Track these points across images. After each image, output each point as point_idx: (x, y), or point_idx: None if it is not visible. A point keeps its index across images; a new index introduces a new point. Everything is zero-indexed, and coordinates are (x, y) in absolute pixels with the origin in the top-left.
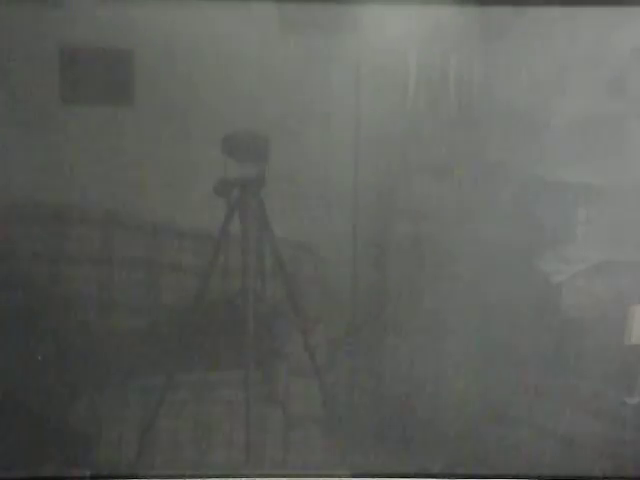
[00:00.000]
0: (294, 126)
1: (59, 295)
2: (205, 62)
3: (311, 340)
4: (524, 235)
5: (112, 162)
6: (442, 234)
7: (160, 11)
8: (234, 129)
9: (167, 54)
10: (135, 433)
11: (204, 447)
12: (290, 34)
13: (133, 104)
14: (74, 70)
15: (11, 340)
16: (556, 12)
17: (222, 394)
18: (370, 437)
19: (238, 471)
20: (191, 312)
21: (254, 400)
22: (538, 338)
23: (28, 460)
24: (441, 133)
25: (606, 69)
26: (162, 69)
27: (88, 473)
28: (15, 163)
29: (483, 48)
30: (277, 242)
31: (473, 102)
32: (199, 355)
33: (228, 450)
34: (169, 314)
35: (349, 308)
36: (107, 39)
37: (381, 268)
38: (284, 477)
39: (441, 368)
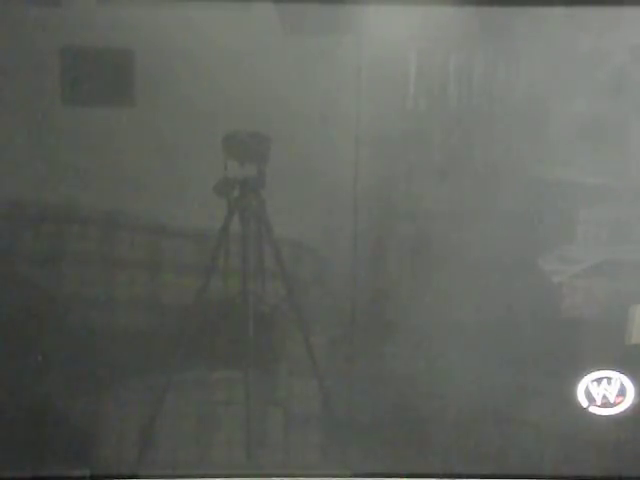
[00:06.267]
0: (294, 126)
1: (59, 295)
2: (205, 62)
3: (311, 340)
4: (524, 235)
5: (112, 162)
6: (442, 234)
7: (160, 11)
8: (234, 129)
9: (167, 54)
10: (135, 433)
11: (204, 447)
12: (290, 34)
13: (133, 104)
14: (74, 70)
15: (11, 340)
16: (556, 12)
17: (222, 394)
18: (370, 437)
19: (238, 471)
20: (191, 312)
21: (254, 400)
22: (538, 338)
23: (28, 460)
24: (441, 133)
25: (606, 69)
26: (162, 69)
27: (88, 473)
28: (15, 163)
29: (483, 48)
30: (277, 242)
31: (473, 102)
32: (199, 355)
33: (228, 450)
34: (169, 314)
35: (349, 308)
36: (107, 39)
37: (381, 268)
38: (284, 477)
39: (441, 368)
